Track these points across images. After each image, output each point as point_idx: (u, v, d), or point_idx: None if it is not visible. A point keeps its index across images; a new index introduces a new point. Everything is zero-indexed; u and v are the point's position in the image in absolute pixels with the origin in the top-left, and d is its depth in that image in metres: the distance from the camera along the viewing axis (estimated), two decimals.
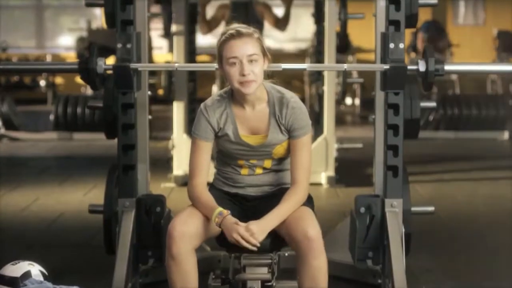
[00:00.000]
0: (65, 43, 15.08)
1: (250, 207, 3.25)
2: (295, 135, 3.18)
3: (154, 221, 3.79)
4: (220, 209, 3.09)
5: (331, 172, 6.59)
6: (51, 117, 9.48)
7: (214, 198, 3.17)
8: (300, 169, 3.18)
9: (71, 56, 13.20)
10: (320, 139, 6.51)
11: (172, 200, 6.10)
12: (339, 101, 6.74)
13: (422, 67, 3.62)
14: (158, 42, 13.06)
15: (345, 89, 6.49)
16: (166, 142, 6.86)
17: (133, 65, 3.64)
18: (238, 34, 3.12)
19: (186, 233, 3.06)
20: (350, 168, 7.17)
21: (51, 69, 4.17)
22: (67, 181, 6.86)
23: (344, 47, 7.53)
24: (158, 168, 7.12)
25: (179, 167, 6.58)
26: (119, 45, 3.66)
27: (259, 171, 3.26)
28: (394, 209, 3.74)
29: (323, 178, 6.59)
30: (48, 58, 13.39)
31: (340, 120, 9.83)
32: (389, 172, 3.73)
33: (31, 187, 6.53)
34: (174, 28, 6.67)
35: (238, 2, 7.26)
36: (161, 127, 9.10)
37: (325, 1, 6.58)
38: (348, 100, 12.33)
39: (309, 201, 3.23)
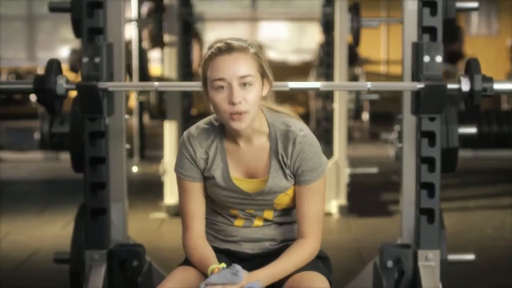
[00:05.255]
0: (64, 55, 14.46)
1: (245, 269, 2.48)
2: (304, 180, 2.43)
3: (129, 278, 3.07)
4: (214, 266, 2.37)
5: (343, 200, 5.86)
6: (36, 135, 8.75)
7: None
8: (309, 222, 2.44)
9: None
10: (330, 163, 5.76)
11: (163, 234, 5.42)
12: (353, 118, 5.99)
13: (465, 85, 2.90)
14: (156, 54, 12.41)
15: (359, 106, 5.72)
16: (159, 164, 6.12)
17: (101, 84, 2.91)
18: (228, 49, 2.37)
19: None
20: (362, 194, 6.47)
21: None
22: (46, 210, 6.14)
23: (352, 58, 6.82)
24: (149, 195, 6.45)
25: (171, 195, 5.84)
26: (85, 59, 2.94)
27: (258, 222, 2.51)
28: (429, 263, 3.03)
29: (333, 207, 5.85)
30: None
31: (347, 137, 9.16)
32: (423, 217, 3.02)
33: (4, 219, 5.80)
34: (165, 38, 5.95)
35: None
36: (155, 145, 8.37)
37: (335, 8, 5.85)
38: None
39: (324, 265, 2.49)
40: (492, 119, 8.90)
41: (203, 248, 2.44)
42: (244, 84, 2.35)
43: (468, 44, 12.63)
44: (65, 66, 12.92)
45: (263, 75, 2.41)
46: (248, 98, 2.35)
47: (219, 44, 2.38)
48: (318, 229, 2.46)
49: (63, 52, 14.38)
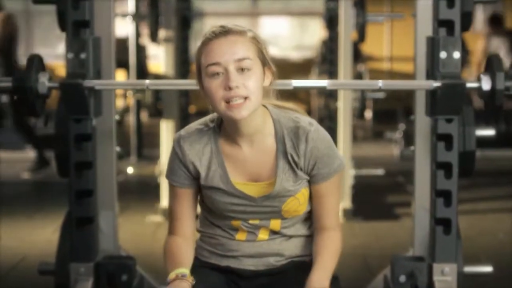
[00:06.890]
0: (62, 51, 14.24)
1: None
2: (321, 178, 2.20)
3: None
4: (184, 270, 2.15)
5: (347, 204, 5.61)
6: None
7: (197, 275, 2.18)
8: (331, 215, 2.23)
9: (60, 65, 12.34)
10: None
11: (159, 239, 5.16)
12: (357, 116, 5.74)
13: (486, 84, 2.65)
14: (155, 51, 12.18)
15: (365, 105, 5.47)
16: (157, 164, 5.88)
17: (87, 83, 2.66)
18: (223, 32, 2.13)
19: None
20: (366, 196, 6.23)
21: None
22: (38, 213, 5.90)
23: (355, 55, 6.58)
24: (145, 197, 6.21)
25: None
26: (69, 55, 2.69)
27: (263, 235, 2.26)
28: (445, 278, 2.80)
29: None
30: None
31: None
32: (439, 228, 2.77)
33: None
34: (162, 33, 5.71)
35: None
36: (154, 144, 8.12)
37: (339, 3, 5.60)
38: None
39: (332, 286, 2.23)
40: (500, 119, 8.67)
41: (178, 249, 2.22)
42: (242, 69, 2.10)
43: (473, 41, 12.40)
44: (63, 63, 12.60)
45: (264, 62, 2.16)
46: (247, 84, 2.10)
47: (214, 28, 2.14)
48: (339, 220, 2.28)
49: (62, 49, 14.18)
